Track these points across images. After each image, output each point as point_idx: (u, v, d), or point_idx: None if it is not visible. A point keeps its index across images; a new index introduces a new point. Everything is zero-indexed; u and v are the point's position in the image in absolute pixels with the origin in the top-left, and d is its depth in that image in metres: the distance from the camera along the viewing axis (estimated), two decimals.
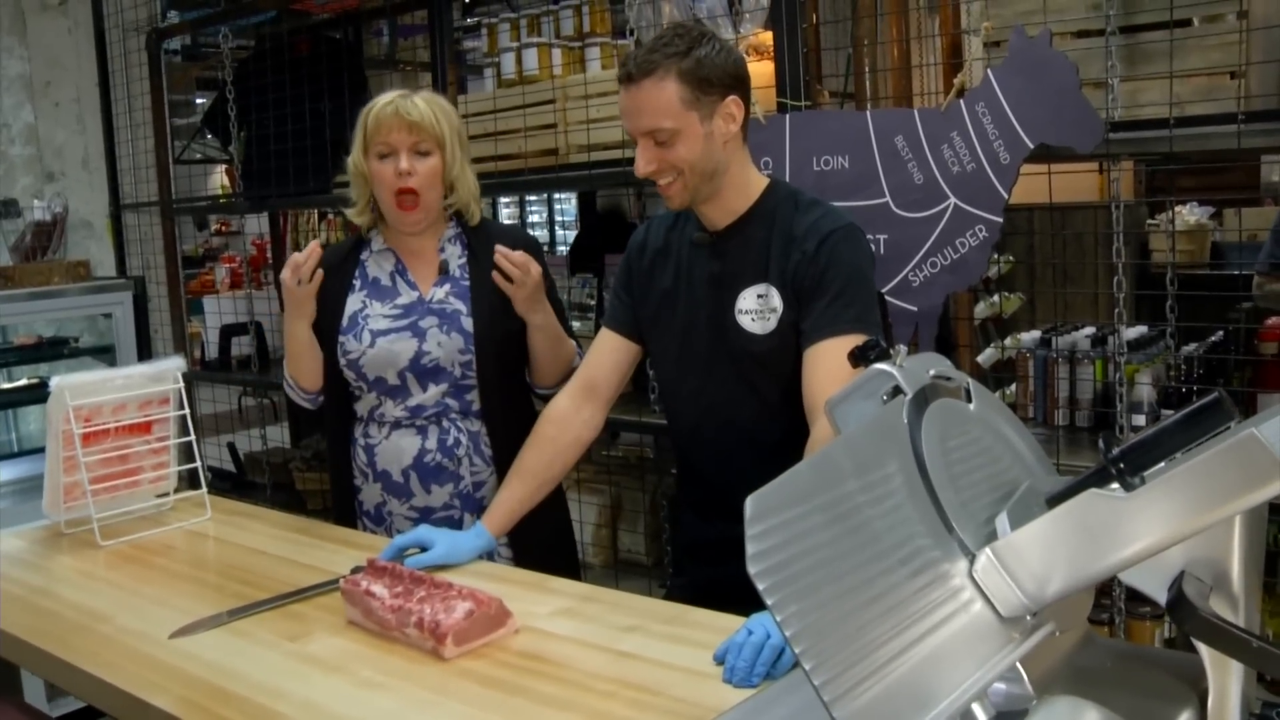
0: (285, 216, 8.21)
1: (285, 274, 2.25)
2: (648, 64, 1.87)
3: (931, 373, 1.25)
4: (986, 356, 3.21)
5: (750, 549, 0.89)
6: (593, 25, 3.38)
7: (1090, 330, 2.92)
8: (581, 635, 1.67)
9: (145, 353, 4.19)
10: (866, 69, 2.53)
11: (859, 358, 1.33)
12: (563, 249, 9.87)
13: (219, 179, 6.86)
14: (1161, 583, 1.05)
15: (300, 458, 4.45)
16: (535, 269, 2.19)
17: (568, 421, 2.14)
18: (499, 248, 2.19)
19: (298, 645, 1.69)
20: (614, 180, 3.05)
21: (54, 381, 2.31)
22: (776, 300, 1.94)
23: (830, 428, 1.69)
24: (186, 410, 2.47)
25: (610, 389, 2.15)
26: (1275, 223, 3.42)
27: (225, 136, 4.33)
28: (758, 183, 2.01)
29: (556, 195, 10.59)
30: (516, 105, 3.26)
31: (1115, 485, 1.08)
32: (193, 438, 2.47)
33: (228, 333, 4.53)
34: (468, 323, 2.27)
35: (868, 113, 2.40)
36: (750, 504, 0.92)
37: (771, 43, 2.68)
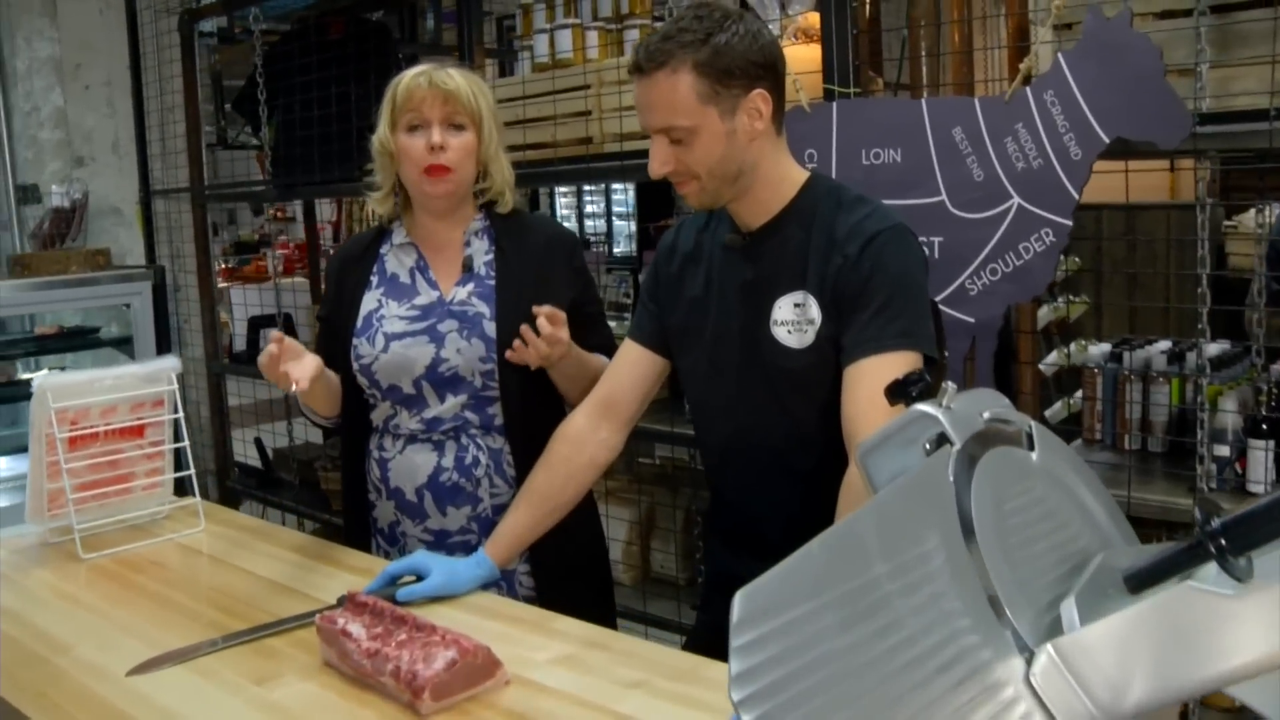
0: (340, 203, 8.12)
1: (264, 360, 1.93)
2: (659, 54, 1.65)
3: (986, 415, 1.03)
4: (1049, 364, 2.96)
5: (734, 666, 0.68)
6: (632, 6, 3.17)
7: (1165, 345, 2.66)
8: (579, 690, 1.47)
9: (164, 344, 4.06)
10: (923, 53, 2.29)
11: (897, 393, 1.11)
12: (624, 241, 9.62)
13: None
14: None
15: (327, 456, 4.30)
16: (563, 335, 1.95)
17: (583, 441, 1.94)
18: (536, 309, 1.94)
19: (264, 689, 1.51)
20: (645, 172, 2.83)
21: (36, 381, 2.16)
22: (814, 310, 1.72)
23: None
24: (181, 414, 2.31)
25: (632, 407, 1.95)
26: None
27: (255, 121, 4.18)
28: (795, 177, 1.80)
29: (615, 184, 10.29)
30: (546, 91, 3.06)
31: (1213, 567, 0.84)
32: (186, 443, 2.30)
33: (256, 324, 4.39)
34: (490, 327, 2.07)
35: (923, 101, 2.16)
36: (739, 603, 0.71)
37: (819, 25, 2.46)
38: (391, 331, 2.08)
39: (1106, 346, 2.65)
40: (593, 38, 3.17)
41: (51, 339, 3.92)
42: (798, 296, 1.74)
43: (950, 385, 1.03)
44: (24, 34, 4.33)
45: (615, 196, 10.58)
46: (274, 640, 1.68)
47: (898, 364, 1.64)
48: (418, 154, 2.03)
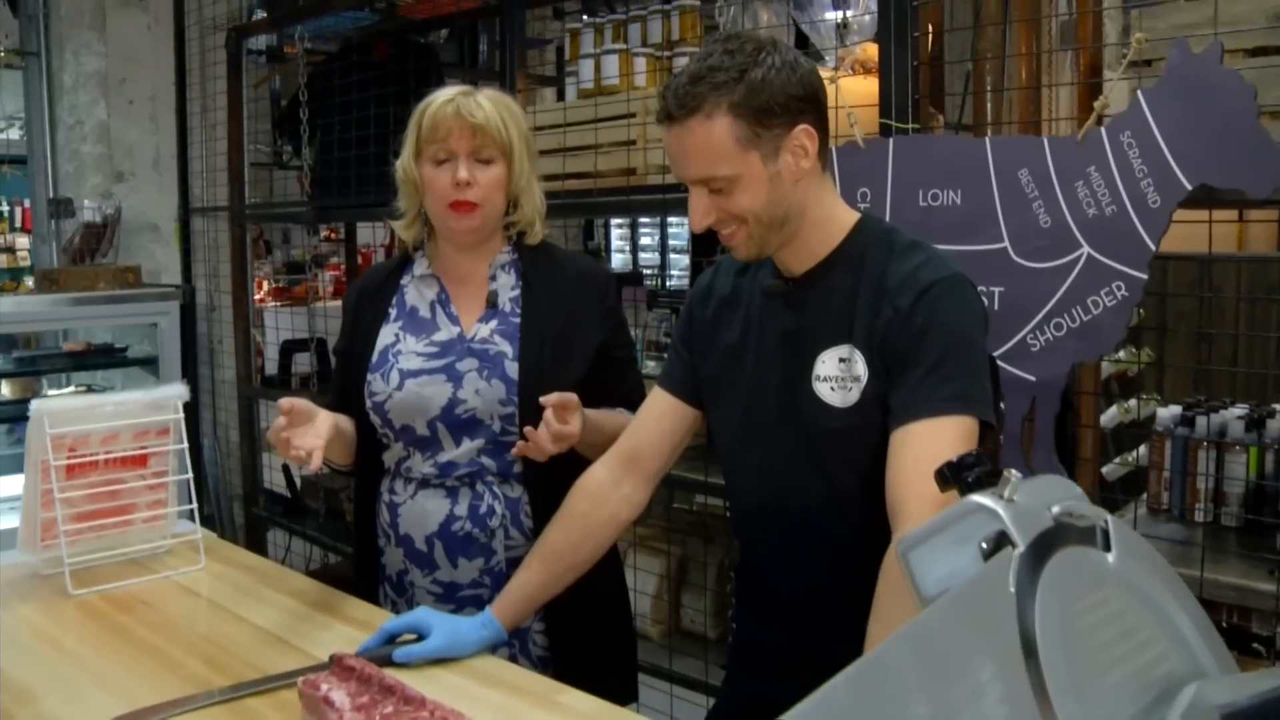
0: (392, 231, 8.07)
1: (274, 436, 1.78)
2: (690, 99, 1.50)
3: (1055, 510, 0.87)
4: (1109, 418, 2.77)
5: None
6: (683, 32, 3.04)
7: (1241, 409, 2.46)
8: None
9: (190, 366, 3.97)
10: (988, 89, 2.13)
11: (950, 478, 0.95)
12: (677, 275, 9.44)
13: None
14: None
15: (353, 486, 4.18)
16: (574, 428, 1.80)
17: (603, 496, 1.79)
18: (544, 399, 1.79)
19: None
20: (690, 225, 2.69)
21: (34, 405, 2.05)
22: (861, 367, 1.56)
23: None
24: (185, 445, 2.18)
25: (658, 460, 1.80)
26: None
27: (297, 142, 4.09)
28: (843, 219, 1.64)
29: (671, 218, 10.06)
30: (589, 119, 2.92)
31: None
32: (189, 475, 2.18)
33: (289, 348, 4.29)
34: (512, 368, 1.93)
35: (986, 140, 2.00)
36: None
37: (878, 57, 2.31)
38: (407, 369, 1.95)
39: (1176, 409, 2.45)
40: (640, 64, 3.04)
41: (78, 356, 3.83)
42: (843, 350, 1.59)
43: (1013, 474, 0.87)
44: (72, 48, 4.29)
45: (671, 230, 10.43)
46: (254, 700, 1.54)
47: (950, 430, 1.48)
48: (443, 189, 1.91)
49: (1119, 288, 1.88)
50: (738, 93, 1.49)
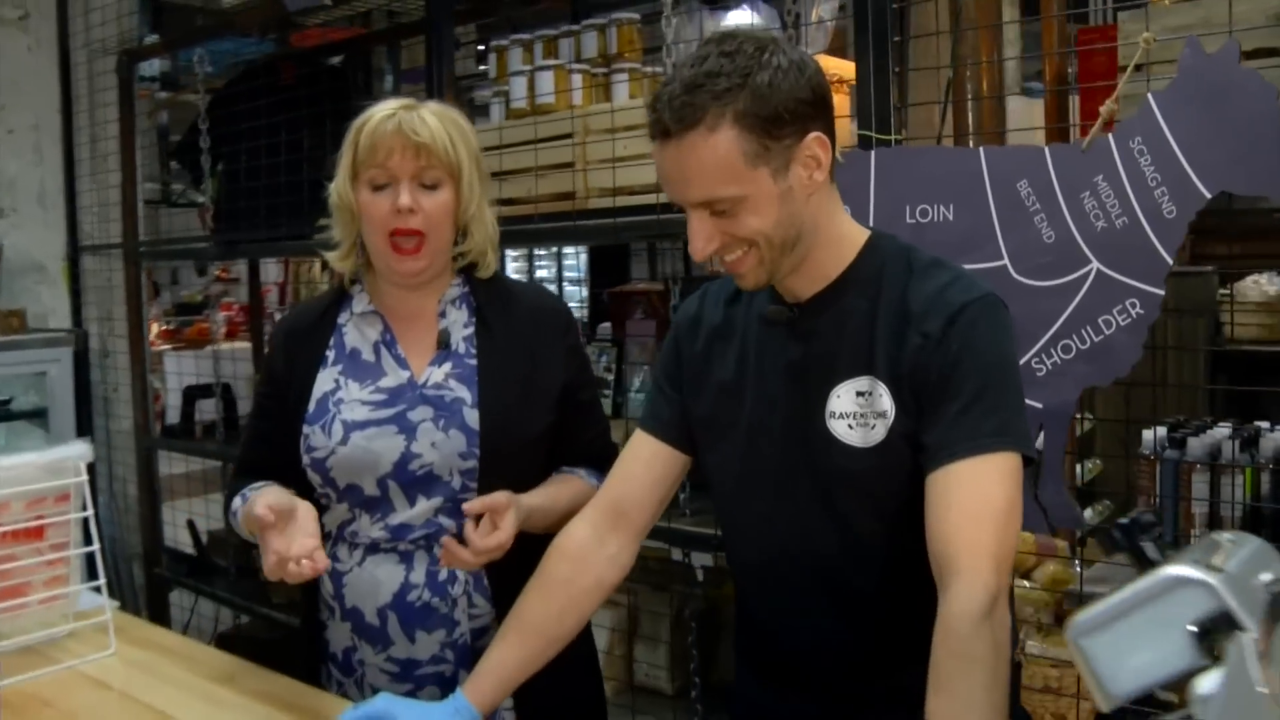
0: (287, 264, 7.70)
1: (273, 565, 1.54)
2: (689, 110, 1.30)
3: (1265, 578, 0.69)
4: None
5: None
6: (621, 47, 2.85)
7: (1226, 427, 2.35)
8: None
9: (85, 418, 3.64)
10: (969, 96, 1.98)
11: (1124, 542, 0.77)
12: (574, 308, 9.22)
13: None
14: None
15: None
16: (503, 539, 1.60)
17: (586, 558, 1.57)
18: (467, 506, 1.61)
19: None
20: (643, 230, 2.50)
21: None
22: (885, 401, 1.38)
23: (999, 633, 1.16)
24: (91, 511, 1.91)
25: (646, 513, 1.59)
26: None
27: (197, 173, 3.81)
28: (854, 237, 1.47)
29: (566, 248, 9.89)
30: (528, 140, 2.72)
31: None
32: (96, 546, 1.91)
33: (191, 395, 3.98)
34: (472, 417, 1.71)
35: (981, 150, 1.85)
36: None
37: (840, 69, 2.15)
38: (352, 419, 1.71)
39: (1161, 431, 2.33)
40: (576, 80, 2.84)
41: None
42: (861, 383, 1.41)
43: (1225, 538, 0.69)
44: None
45: (567, 261, 10.19)
46: None
47: (997, 469, 1.31)
48: (382, 217, 1.68)
49: (1133, 305, 1.74)
50: (742, 100, 1.31)
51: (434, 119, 1.70)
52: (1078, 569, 2.26)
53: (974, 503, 1.29)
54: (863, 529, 1.43)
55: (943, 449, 1.32)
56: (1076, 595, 1.92)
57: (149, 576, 4.17)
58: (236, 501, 1.81)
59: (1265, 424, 2.36)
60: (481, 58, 5.62)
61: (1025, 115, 2.54)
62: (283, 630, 3.61)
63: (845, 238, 1.46)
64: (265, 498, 1.59)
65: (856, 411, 1.41)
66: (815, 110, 1.37)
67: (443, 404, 1.71)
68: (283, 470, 1.79)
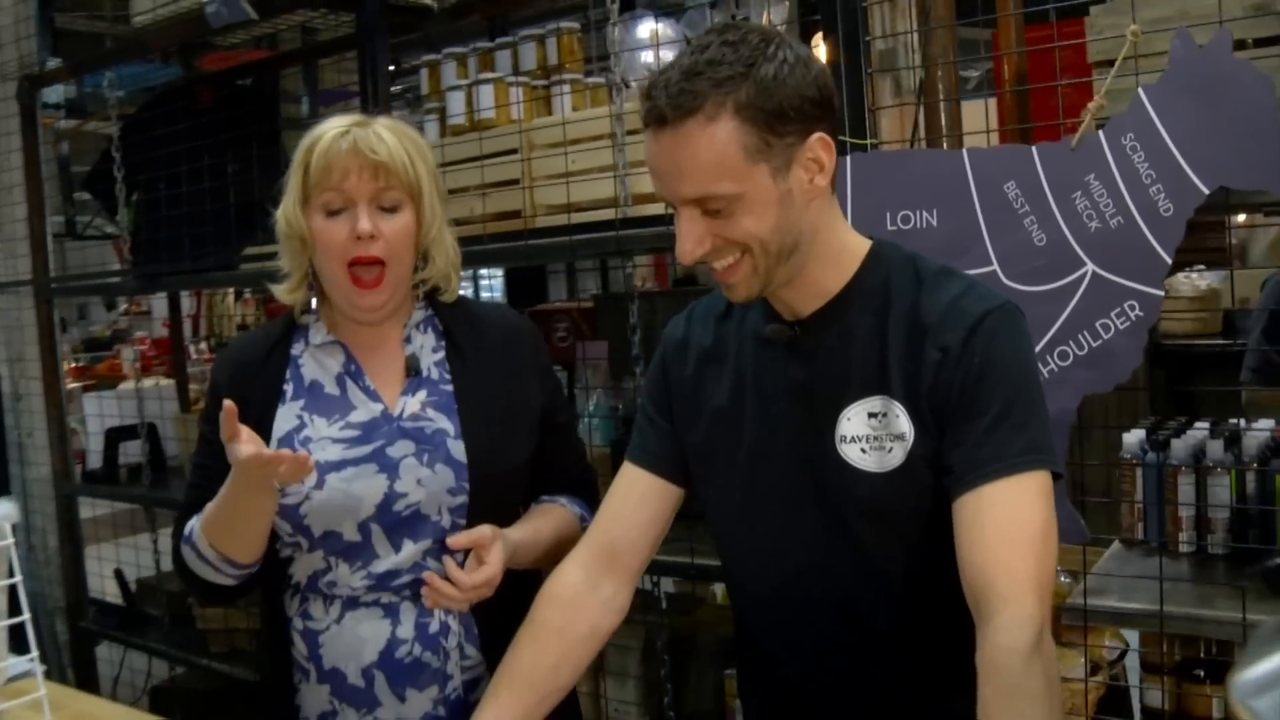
0: (199, 296, 7.43)
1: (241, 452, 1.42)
2: (687, 96, 1.21)
3: None
4: None
5: None
6: (562, 58, 2.74)
7: (1204, 425, 2.31)
8: None
9: (0, 467, 3.41)
10: (940, 96, 1.91)
11: None
12: None
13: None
14: None
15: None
16: (491, 575, 1.52)
17: (580, 605, 1.46)
18: (450, 540, 1.54)
19: None
20: (600, 248, 2.39)
21: None
22: (903, 423, 1.29)
23: (1049, 665, 1.07)
24: (19, 578, 1.74)
25: (641, 553, 1.49)
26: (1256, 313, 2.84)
27: (111, 203, 3.61)
28: (856, 247, 1.38)
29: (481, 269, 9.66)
30: (472, 157, 2.59)
31: None
32: (26, 616, 1.73)
33: (114, 437, 3.76)
34: (458, 448, 1.58)
35: (964, 152, 1.78)
36: None
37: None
38: (326, 460, 1.56)
39: (1139, 433, 2.28)
40: (516, 94, 2.73)
41: None
42: (874, 404, 1.31)
43: None
44: None
45: (483, 282, 10.00)
46: None
47: (1030, 489, 1.23)
48: (339, 245, 1.55)
49: (1132, 308, 1.68)
50: (744, 91, 1.22)
51: (390, 135, 1.57)
52: (1064, 580, 2.20)
53: (1010, 527, 1.21)
54: (883, 559, 1.34)
55: (972, 470, 1.24)
56: (1080, 610, 1.84)
57: (73, 631, 3.93)
58: (192, 523, 1.60)
59: (1239, 421, 2.32)
60: (394, 77, 5.48)
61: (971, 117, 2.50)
62: (223, 681, 3.43)
63: (846, 249, 1.37)
64: None
65: (869, 434, 1.32)
66: (821, 111, 1.28)
67: (424, 437, 1.58)
68: None
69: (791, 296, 1.36)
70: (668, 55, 2.55)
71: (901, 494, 1.30)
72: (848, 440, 1.33)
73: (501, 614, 1.54)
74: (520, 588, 1.54)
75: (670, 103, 1.22)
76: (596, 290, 5.01)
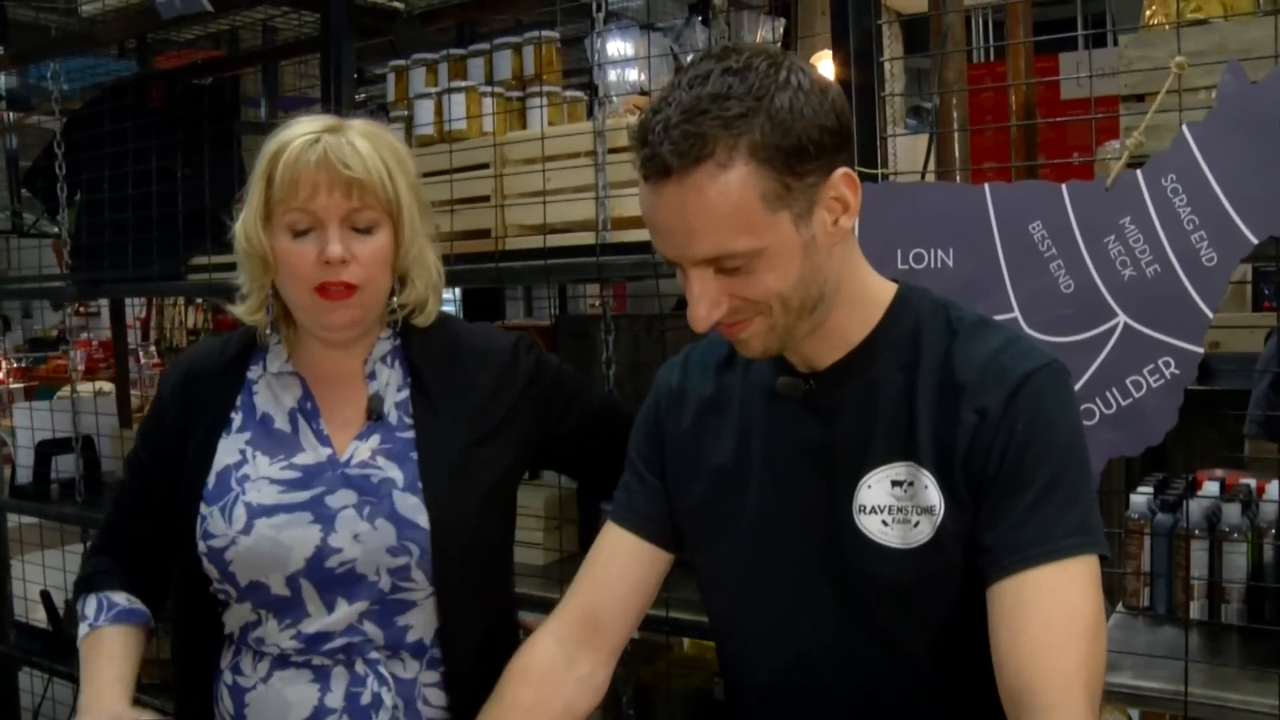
0: (150, 302, 7.15)
1: None
2: (692, 141, 1.04)
3: None
4: None
5: None
6: (538, 67, 2.57)
7: (1215, 482, 2.17)
8: None
9: None
10: (955, 125, 1.76)
11: None
12: None
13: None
14: None
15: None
16: None
17: (554, 682, 1.29)
18: None
19: None
20: (579, 274, 2.22)
21: None
22: (933, 494, 1.13)
23: None
24: None
25: (625, 625, 1.32)
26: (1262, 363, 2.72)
27: (52, 203, 3.39)
28: (880, 291, 1.22)
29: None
30: (441, 170, 2.41)
31: None
32: None
33: (46, 451, 3.53)
34: (405, 502, 1.41)
35: (986, 187, 1.63)
36: None
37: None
38: (258, 503, 1.40)
39: (1147, 491, 2.14)
40: (488, 105, 2.55)
41: None
42: (898, 471, 1.15)
43: None
44: None
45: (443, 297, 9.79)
46: None
47: (1080, 576, 1.08)
48: (306, 269, 1.37)
49: (1167, 365, 1.53)
50: (758, 128, 1.04)
51: (365, 144, 1.39)
52: None
53: (1057, 619, 1.05)
54: (906, 646, 1.18)
55: (1013, 552, 1.08)
56: None
57: None
58: (90, 606, 1.50)
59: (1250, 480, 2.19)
60: (358, 84, 5.31)
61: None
62: (153, 713, 3.21)
63: (870, 294, 1.21)
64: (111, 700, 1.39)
65: (893, 505, 1.16)
66: (840, 141, 1.12)
67: (368, 486, 1.41)
68: (156, 551, 1.50)
69: (807, 346, 1.20)
70: (656, 73, 2.40)
71: (928, 573, 1.15)
72: (868, 511, 1.17)
73: (471, 692, 1.37)
74: (490, 658, 1.37)
75: (674, 149, 1.04)
76: (554, 310, 4.86)
